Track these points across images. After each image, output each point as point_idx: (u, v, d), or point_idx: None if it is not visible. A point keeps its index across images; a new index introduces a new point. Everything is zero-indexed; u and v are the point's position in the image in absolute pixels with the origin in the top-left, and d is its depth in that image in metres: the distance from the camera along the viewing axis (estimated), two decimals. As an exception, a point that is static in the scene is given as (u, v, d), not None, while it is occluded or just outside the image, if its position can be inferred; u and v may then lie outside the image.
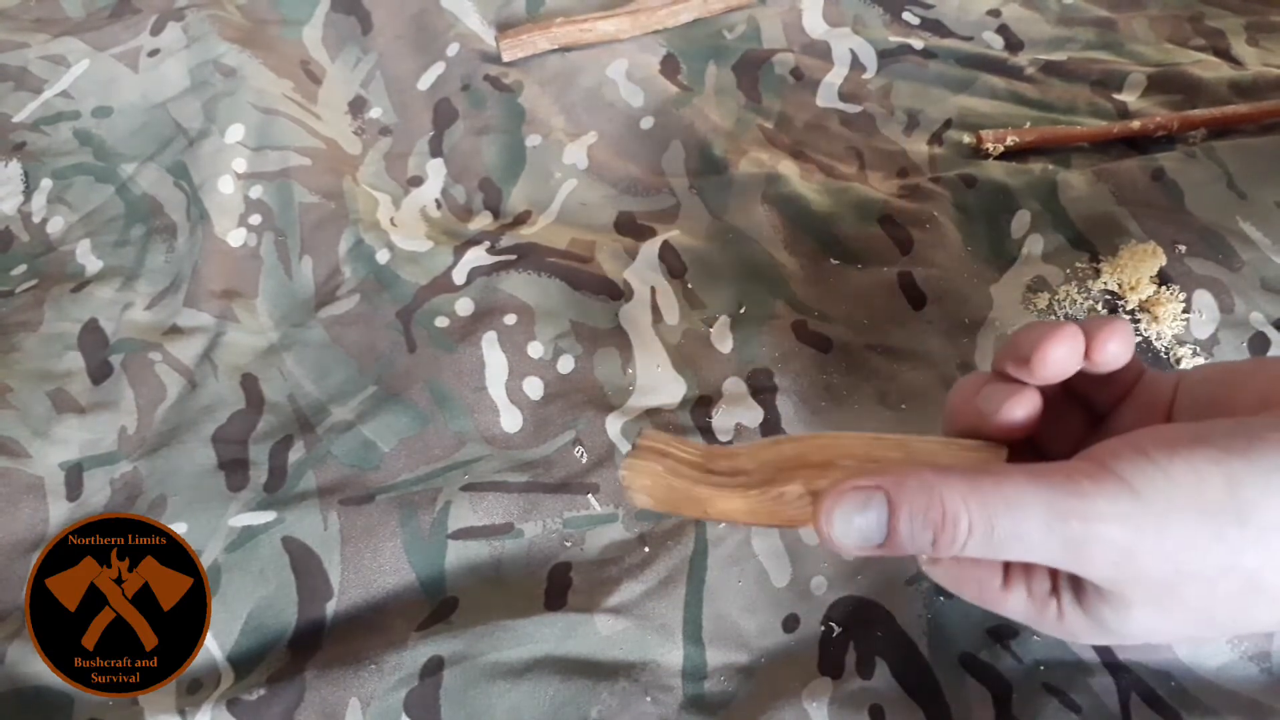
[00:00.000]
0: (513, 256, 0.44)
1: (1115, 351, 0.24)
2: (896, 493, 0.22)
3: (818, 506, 0.23)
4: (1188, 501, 0.21)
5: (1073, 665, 0.31)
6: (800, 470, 0.25)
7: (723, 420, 0.38)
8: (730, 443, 0.38)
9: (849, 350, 0.39)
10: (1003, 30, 0.54)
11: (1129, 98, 0.49)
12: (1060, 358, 0.24)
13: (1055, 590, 0.24)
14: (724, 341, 0.41)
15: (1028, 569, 0.25)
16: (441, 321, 0.42)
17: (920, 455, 0.25)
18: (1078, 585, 0.24)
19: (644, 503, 0.26)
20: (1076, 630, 0.24)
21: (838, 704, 0.31)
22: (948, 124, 0.49)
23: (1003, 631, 0.32)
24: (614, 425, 0.38)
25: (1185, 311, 0.39)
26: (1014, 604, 0.25)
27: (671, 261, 0.44)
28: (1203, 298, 0.39)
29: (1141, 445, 0.21)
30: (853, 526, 0.22)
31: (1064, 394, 0.28)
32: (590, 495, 0.37)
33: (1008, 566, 0.25)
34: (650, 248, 0.44)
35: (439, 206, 0.49)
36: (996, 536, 0.21)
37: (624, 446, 0.38)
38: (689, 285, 0.43)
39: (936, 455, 0.25)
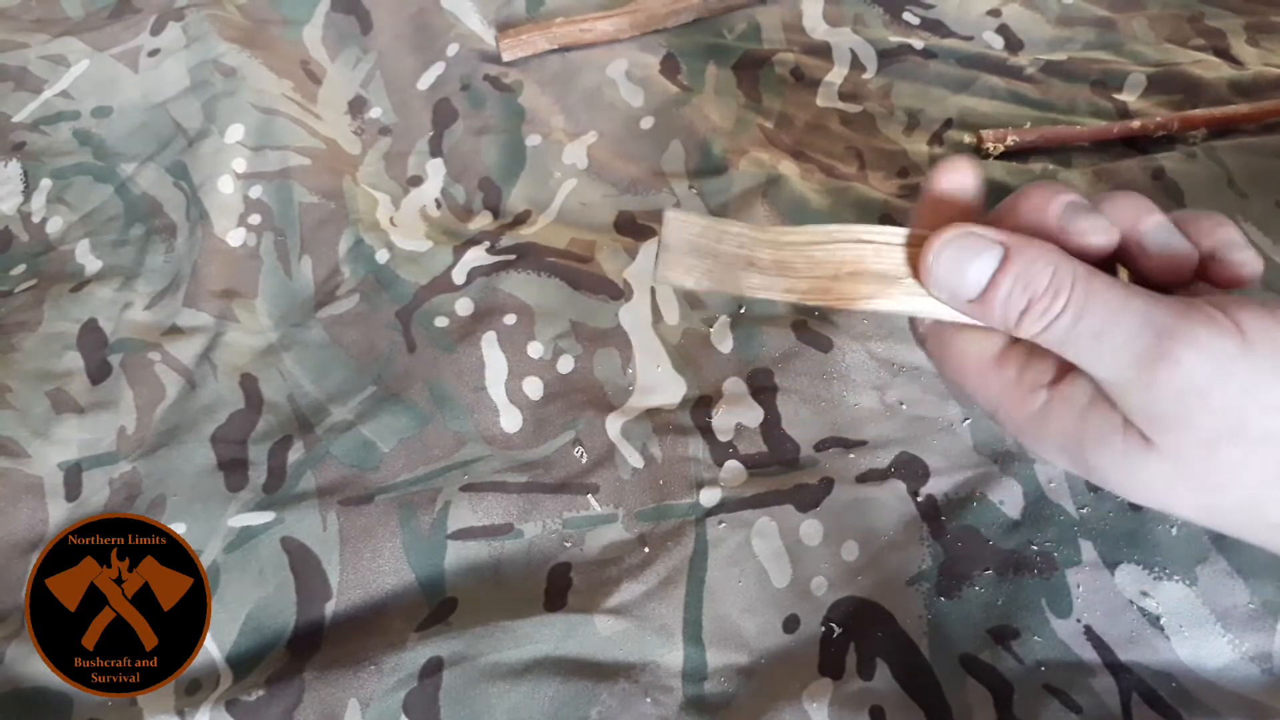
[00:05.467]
0: (512, 256, 0.44)
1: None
2: (1017, 251, 0.22)
3: (929, 242, 0.23)
4: None
5: (1074, 666, 0.31)
6: (859, 284, 0.24)
7: (723, 420, 0.38)
8: (729, 443, 0.38)
9: (849, 350, 0.39)
10: (1003, 30, 0.54)
11: (1129, 97, 0.49)
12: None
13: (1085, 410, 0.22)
14: (724, 341, 0.41)
15: (1059, 368, 0.23)
16: (441, 321, 0.42)
17: None
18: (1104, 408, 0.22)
19: (680, 284, 0.24)
20: (1056, 443, 0.23)
21: (838, 705, 0.31)
22: (948, 124, 0.49)
23: (1003, 632, 0.32)
24: (614, 425, 0.38)
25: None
26: (994, 385, 0.24)
27: (671, 261, 0.44)
28: (1203, 298, 0.39)
29: (1265, 302, 0.21)
30: (958, 268, 0.22)
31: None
32: (590, 495, 0.37)
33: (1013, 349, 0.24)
34: (650, 247, 0.44)
35: (439, 206, 0.49)
36: (1080, 328, 0.21)
37: (624, 447, 0.38)
38: (689, 285, 0.43)
39: None
